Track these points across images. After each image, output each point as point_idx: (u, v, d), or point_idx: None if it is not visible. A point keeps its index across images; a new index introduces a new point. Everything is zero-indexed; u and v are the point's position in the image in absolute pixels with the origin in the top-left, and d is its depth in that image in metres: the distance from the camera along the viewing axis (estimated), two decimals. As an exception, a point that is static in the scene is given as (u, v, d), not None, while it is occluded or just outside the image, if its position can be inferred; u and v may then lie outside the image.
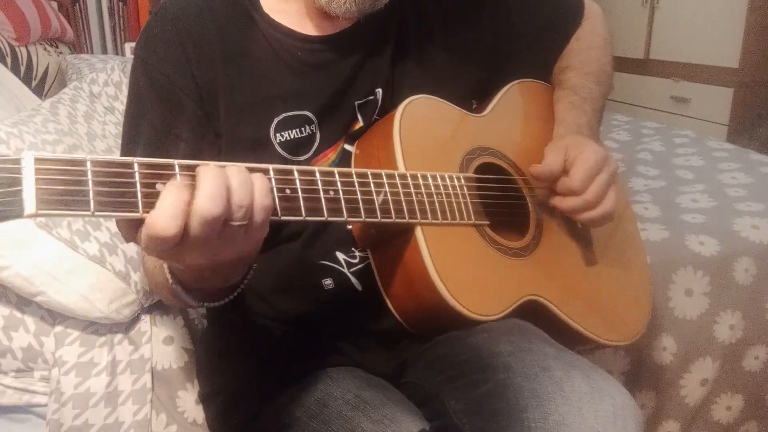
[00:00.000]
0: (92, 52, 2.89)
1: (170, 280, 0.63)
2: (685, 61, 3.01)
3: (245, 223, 0.53)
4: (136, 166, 0.50)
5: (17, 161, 0.45)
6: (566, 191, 0.82)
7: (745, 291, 1.23)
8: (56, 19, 2.22)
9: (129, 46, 2.62)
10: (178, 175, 0.51)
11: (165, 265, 0.64)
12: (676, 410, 1.25)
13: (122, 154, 0.80)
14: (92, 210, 0.48)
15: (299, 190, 0.60)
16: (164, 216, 0.49)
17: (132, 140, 0.80)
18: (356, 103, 0.83)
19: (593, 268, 0.91)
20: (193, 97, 0.78)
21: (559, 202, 0.84)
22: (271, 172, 0.58)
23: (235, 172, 0.53)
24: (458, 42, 0.88)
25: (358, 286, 0.82)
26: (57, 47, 2.20)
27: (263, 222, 0.55)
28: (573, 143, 0.85)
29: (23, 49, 1.92)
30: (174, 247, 0.51)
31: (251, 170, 0.55)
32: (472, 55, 0.89)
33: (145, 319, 1.04)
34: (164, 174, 0.51)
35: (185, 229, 0.50)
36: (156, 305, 1.04)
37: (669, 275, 1.20)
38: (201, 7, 0.81)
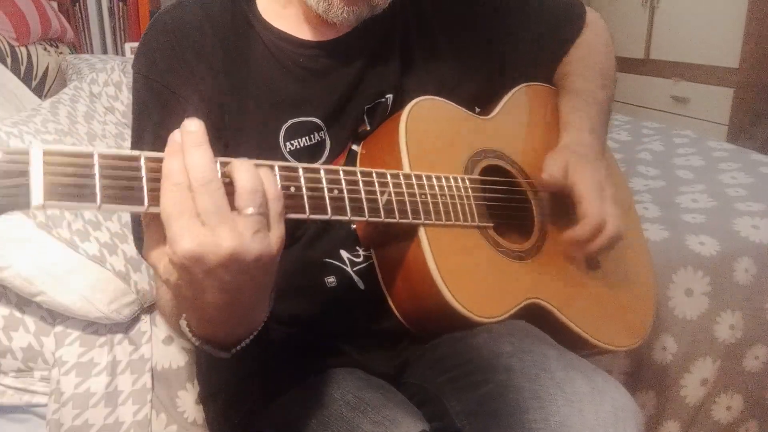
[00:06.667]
0: (92, 52, 2.88)
1: (192, 339, 0.62)
2: (685, 61, 3.00)
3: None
4: (143, 160, 0.50)
5: (25, 153, 0.45)
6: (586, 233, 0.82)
7: (745, 291, 1.23)
8: (56, 19, 2.22)
9: (129, 46, 2.62)
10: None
11: (183, 320, 0.63)
12: (676, 410, 1.25)
13: None
14: (99, 203, 0.47)
15: (303, 188, 0.59)
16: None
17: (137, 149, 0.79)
18: (366, 107, 0.82)
19: (597, 272, 0.91)
20: (197, 108, 0.76)
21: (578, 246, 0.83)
22: (276, 169, 0.58)
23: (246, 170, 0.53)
24: (461, 46, 0.88)
25: (361, 285, 0.82)
26: (57, 47, 2.20)
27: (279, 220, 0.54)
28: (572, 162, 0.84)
29: (23, 49, 1.92)
30: (201, 275, 0.50)
31: (257, 166, 0.55)
32: (475, 60, 0.89)
33: (145, 319, 1.04)
34: None
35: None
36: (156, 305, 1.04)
37: (669, 275, 1.20)
38: (198, 15, 0.78)
